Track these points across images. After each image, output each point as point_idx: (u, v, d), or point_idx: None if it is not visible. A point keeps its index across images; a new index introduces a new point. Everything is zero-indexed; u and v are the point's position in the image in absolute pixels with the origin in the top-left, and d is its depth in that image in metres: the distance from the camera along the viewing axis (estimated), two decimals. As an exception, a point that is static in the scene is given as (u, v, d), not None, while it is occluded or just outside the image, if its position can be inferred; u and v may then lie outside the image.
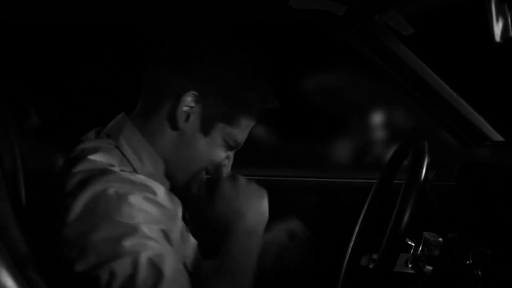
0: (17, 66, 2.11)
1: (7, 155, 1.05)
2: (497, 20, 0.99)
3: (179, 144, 1.11)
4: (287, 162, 2.44)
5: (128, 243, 0.94)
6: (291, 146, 2.49)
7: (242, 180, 1.15)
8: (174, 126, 1.10)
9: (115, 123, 1.13)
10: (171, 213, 1.05)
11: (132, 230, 0.95)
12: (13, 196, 1.02)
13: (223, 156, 1.15)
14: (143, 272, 0.93)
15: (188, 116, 1.09)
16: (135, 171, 1.08)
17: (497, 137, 1.61)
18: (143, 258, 0.94)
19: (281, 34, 2.24)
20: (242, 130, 1.14)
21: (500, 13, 0.99)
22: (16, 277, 0.86)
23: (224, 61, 1.12)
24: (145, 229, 0.96)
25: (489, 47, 1.05)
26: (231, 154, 1.18)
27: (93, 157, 1.04)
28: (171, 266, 0.96)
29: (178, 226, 1.09)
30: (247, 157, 2.47)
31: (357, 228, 1.36)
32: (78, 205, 0.97)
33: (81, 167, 1.02)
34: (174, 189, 1.18)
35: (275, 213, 1.93)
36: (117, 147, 1.09)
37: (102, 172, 1.00)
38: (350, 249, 1.35)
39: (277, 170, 2.03)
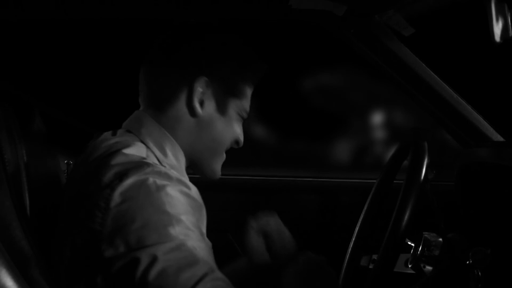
0: (20, 67, 2.11)
1: (11, 155, 1.05)
2: (497, 20, 0.99)
3: (200, 131, 1.14)
4: (287, 162, 2.44)
5: (173, 231, 0.93)
6: (291, 146, 2.49)
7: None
8: (193, 113, 1.12)
9: (132, 119, 1.15)
10: (202, 209, 1.05)
11: (176, 219, 0.95)
12: (16, 197, 1.02)
13: (239, 130, 1.20)
14: (188, 260, 0.91)
15: (202, 102, 1.13)
16: (160, 163, 1.08)
17: (497, 137, 1.61)
18: (189, 247, 0.92)
19: (281, 34, 2.24)
20: (248, 100, 1.21)
21: (500, 13, 0.99)
22: (16, 277, 0.86)
23: (221, 42, 1.16)
24: (186, 220, 0.96)
25: (489, 47, 1.05)
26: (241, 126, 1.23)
27: (127, 151, 1.03)
28: (212, 260, 0.97)
29: (205, 222, 1.09)
30: (247, 157, 2.48)
31: (357, 228, 1.36)
32: (117, 195, 0.95)
33: (116, 161, 1.01)
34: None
35: (276, 213, 1.93)
36: (141, 141, 1.10)
37: (139, 164, 1.00)
38: (350, 249, 1.35)
39: (277, 170, 2.03)
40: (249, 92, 1.20)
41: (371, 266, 1.32)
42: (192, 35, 1.16)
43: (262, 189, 1.92)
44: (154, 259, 0.90)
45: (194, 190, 1.04)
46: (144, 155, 1.05)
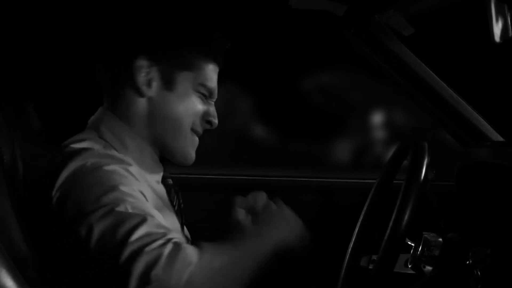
0: (17, 66, 2.11)
1: (9, 155, 1.05)
2: (497, 20, 0.99)
3: (153, 112, 1.13)
4: (287, 162, 2.44)
5: (106, 199, 0.94)
6: (291, 146, 2.49)
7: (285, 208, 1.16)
8: (141, 94, 1.12)
9: (95, 116, 1.16)
10: (141, 188, 1.05)
11: (111, 188, 0.96)
12: (13, 196, 1.02)
13: (201, 106, 1.16)
14: (119, 219, 0.92)
15: (149, 82, 1.12)
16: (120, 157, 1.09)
17: (497, 137, 1.61)
18: (120, 208, 0.93)
19: (281, 34, 2.24)
20: (207, 74, 1.16)
21: (500, 13, 0.99)
22: (16, 277, 0.86)
23: (160, 22, 1.17)
24: (123, 188, 0.97)
25: (489, 47, 1.05)
26: (212, 106, 1.18)
27: (76, 145, 1.06)
28: (150, 213, 0.96)
29: (161, 207, 1.09)
30: (247, 157, 2.48)
31: (357, 229, 1.36)
32: (60, 179, 0.98)
33: (65, 150, 1.05)
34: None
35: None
36: (101, 137, 1.11)
37: (81, 150, 1.03)
38: (350, 249, 1.35)
39: (277, 170, 2.03)
40: (204, 65, 1.15)
41: (371, 267, 1.32)
42: (130, 28, 1.17)
43: (262, 189, 1.91)
44: (90, 228, 0.93)
45: (135, 170, 1.05)
46: (96, 148, 1.07)
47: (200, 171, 1.91)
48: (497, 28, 0.99)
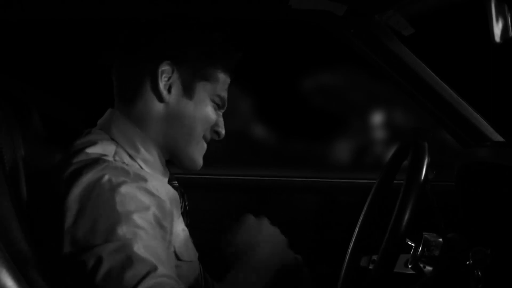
0: (17, 66, 2.11)
1: (9, 155, 1.05)
2: (497, 20, 0.99)
3: (169, 117, 1.13)
4: (286, 162, 2.44)
5: (120, 230, 0.94)
6: (290, 146, 2.49)
7: (266, 222, 1.26)
8: (160, 99, 1.12)
9: (104, 117, 1.16)
10: (163, 204, 1.05)
11: (126, 218, 0.95)
12: (14, 196, 1.02)
13: (214, 116, 1.18)
14: (131, 260, 0.92)
15: (169, 87, 1.12)
16: (132, 159, 1.09)
17: (497, 137, 1.61)
18: (133, 247, 0.93)
19: (281, 34, 2.24)
20: (221, 86, 1.18)
21: (500, 13, 0.99)
22: (16, 277, 0.86)
23: (184, 27, 1.16)
24: (137, 218, 0.96)
25: (489, 47, 1.04)
26: (221, 117, 1.22)
27: (91, 149, 1.05)
28: (161, 258, 0.96)
29: (170, 217, 1.09)
30: (247, 157, 2.48)
31: (357, 229, 1.36)
32: (72, 194, 0.97)
33: (77, 159, 1.03)
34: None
35: (276, 213, 1.93)
36: (112, 139, 1.10)
37: (95, 161, 1.02)
38: (350, 249, 1.35)
39: (276, 170, 2.03)
40: (221, 76, 1.18)
41: (371, 267, 1.32)
42: (155, 27, 1.16)
43: (262, 189, 1.92)
44: (99, 260, 0.92)
45: (153, 185, 1.05)
46: (111, 152, 1.06)
47: (200, 171, 1.91)
48: (497, 28, 0.99)
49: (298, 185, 1.95)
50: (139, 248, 0.93)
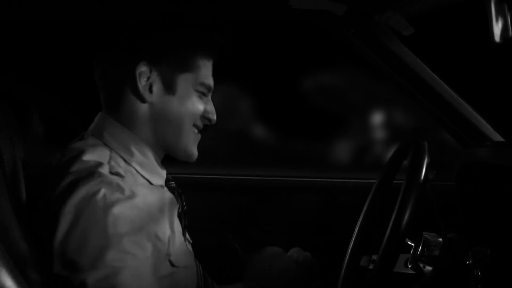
0: (17, 66, 2.11)
1: (9, 155, 1.05)
2: (497, 20, 0.99)
3: (155, 116, 1.12)
4: (287, 162, 2.44)
5: (109, 255, 0.94)
6: (291, 146, 2.49)
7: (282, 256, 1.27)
8: (143, 101, 1.11)
9: (95, 122, 1.15)
10: (159, 216, 1.06)
11: (116, 242, 0.95)
12: (13, 196, 1.02)
13: (201, 106, 1.16)
14: None
15: (150, 87, 1.11)
16: (127, 163, 1.09)
17: (497, 137, 1.61)
18: (119, 277, 0.93)
19: (281, 34, 2.24)
20: (204, 72, 1.16)
21: (500, 13, 0.99)
22: (16, 277, 0.86)
23: (156, 24, 1.16)
24: (127, 243, 0.96)
25: (489, 47, 1.04)
26: (210, 102, 1.19)
27: (86, 157, 1.05)
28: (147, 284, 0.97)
29: (166, 223, 1.09)
30: (247, 157, 2.48)
31: (357, 228, 1.36)
32: (65, 209, 0.97)
33: (74, 168, 1.03)
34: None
35: (275, 213, 1.93)
36: (105, 144, 1.10)
37: (91, 173, 1.01)
38: (350, 249, 1.35)
39: (277, 170, 2.03)
40: (202, 63, 1.16)
41: (371, 267, 1.32)
42: (127, 30, 1.15)
43: (262, 189, 1.92)
44: (84, 285, 0.92)
45: (151, 195, 1.05)
46: (106, 159, 1.06)
47: (200, 171, 1.91)
48: (497, 28, 0.99)
49: (298, 185, 1.95)
50: (125, 279, 0.93)
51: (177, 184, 1.26)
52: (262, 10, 1.48)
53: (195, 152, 1.18)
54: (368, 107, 2.55)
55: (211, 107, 1.19)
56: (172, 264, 1.09)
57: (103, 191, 0.98)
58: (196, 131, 1.18)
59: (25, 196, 1.06)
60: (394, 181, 1.37)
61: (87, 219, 0.96)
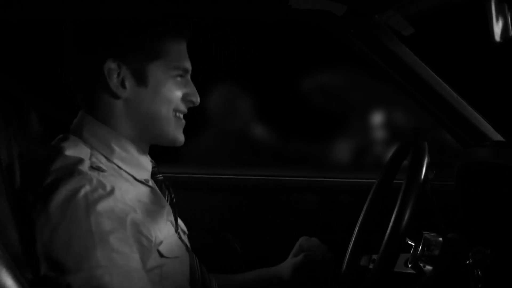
0: (17, 66, 2.11)
1: (6, 154, 1.05)
2: (497, 20, 0.99)
3: (131, 110, 1.11)
4: (286, 162, 2.44)
5: (94, 256, 0.93)
6: (290, 146, 2.49)
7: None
8: (116, 97, 1.10)
9: (76, 121, 1.15)
10: (141, 211, 1.05)
11: (102, 240, 0.95)
12: (11, 196, 1.01)
13: (178, 91, 1.14)
14: None
15: (122, 82, 1.10)
16: (108, 160, 1.09)
17: (497, 137, 1.61)
18: (105, 278, 0.93)
19: (281, 34, 2.24)
20: (176, 55, 1.14)
21: (500, 13, 0.99)
22: (16, 277, 0.86)
23: (115, 19, 1.14)
24: (113, 240, 0.96)
25: (489, 47, 1.04)
26: (190, 84, 1.17)
27: (66, 152, 1.04)
28: (136, 285, 0.96)
29: (151, 216, 1.08)
30: (247, 157, 2.48)
31: (357, 228, 1.36)
32: (47, 210, 0.97)
33: (55, 165, 1.02)
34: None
35: (275, 213, 1.93)
36: (85, 142, 1.09)
37: (71, 172, 1.00)
38: (350, 249, 1.35)
39: (277, 170, 2.03)
40: (172, 47, 1.13)
41: (371, 266, 1.32)
42: (87, 29, 1.13)
43: (262, 189, 1.92)
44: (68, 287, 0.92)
45: (134, 189, 1.05)
46: (87, 155, 1.05)
47: (200, 171, 1.91)
48: (497, 28, 0.99)
49: (298, 185, 1.95)
50: (111, 280, 0.93)
51: (175, 183, 1.26)
52: (262, 10, 1.48)
53: (179, 136, 1.16)
54: (368, 107, 2.55)
55: (191, 89, 1.16)
56: (161, 255, 1.08)
57: (84, 190, 0.97)
58: (179, 115, 1.16)
59: (21, 196, 1.06)
60: (394, 181, 1.37)
61: (70, 220, 0.95)
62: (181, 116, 1.17)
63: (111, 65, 1.08)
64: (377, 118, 2.55)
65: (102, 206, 0.97)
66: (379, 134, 2.55)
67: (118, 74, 1.09)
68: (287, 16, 1.49)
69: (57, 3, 1.38)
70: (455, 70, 1.90)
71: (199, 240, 1.32)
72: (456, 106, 1.59)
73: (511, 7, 0.99)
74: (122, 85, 1.10)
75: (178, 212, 1.23)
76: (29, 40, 2.08)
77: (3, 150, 1.04)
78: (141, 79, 1.10)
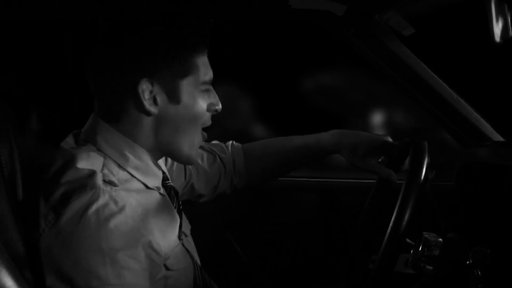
0: (17, 66, 2.11)
1: (7, 155, 1.05)
2: (497, 20, 0.99)
3: (160, 125, 1.10)
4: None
5: (104, 273, 0.93)
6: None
7: None
8: (148, 114, 1.09)
9: (89, 126, 1.13)
10: (153, 223, 1.04)
11: (111, 258, 0.94)
12: (12, 197, 1.01)
13: (206, 104, 1.13)
14: None
15: (154, 99, 1.08)
16: (121, 167, 1.08)
17: (497, 137, 1.61)
18: None
19: (281, 34, 2.24)
20: (204, 69, 1.13)
21: (500, 13, 0.99)
22: (16, 277, 0.86)
23: (150, 35, 1.10)
24: (123, 257, 0.95)
25: (489, 47, 1.05)
26: (212, 93, 1.16)
27: (80, 164, 1.03)
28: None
29: (161, 230, 1.08)
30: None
31: (357, 228, 1.36)
32: (58, 223, 0.96)
33: (66, 178, 1.01)
34: (170, 180, 1.21)
35: (276, 213, 1.93)
36: (98, 149, 1.08)
37: (84, 185, 0.99)
38: (350, 249, 1.35)
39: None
40: (200, 60, 1.12)
41: (371, 266, 1.32)
42: (121, 48, 1.10)
43: (262, 189, 1.92)
44: None
45: (146, 202, 1.04)
46: (99, 166, 1.04)
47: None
48: (497, 28, 0.99)
49: (298, 185, 1.95)
50: None
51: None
52: (262, 10, 1.48)
53: (196, 155, 1.17)
54: (368, 107, 2.55)
55: (215, 98, 1.16)
56: (167, 268, 1.08)
57: (95, 205, 0.97)
58: (204, 134, 1.16)
59: (23, 197, 1.06)
60: (394, 181, 1.37)
61: (80, 235, 0.95)
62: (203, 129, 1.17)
63: (145, 84, 1.07)
64: (377, 118, 2.55)
65: (113, 222, 0.96)
66: (379, 134, 2.55)
67: (151, 92, 1.08)
68: (287, 16, 1.49)
69: (57, 3, 1.38)
70: (455, 70, 1.91)
71: (199, 240, 1.32)
72: (456, 106, 1.59)
73: (511, 7, 1.00)
74: (154, 101, 1.09)
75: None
76: (29, 40, 2.08)
77: (3, 150, 1.04)
78: (173, 96, 1.09)
